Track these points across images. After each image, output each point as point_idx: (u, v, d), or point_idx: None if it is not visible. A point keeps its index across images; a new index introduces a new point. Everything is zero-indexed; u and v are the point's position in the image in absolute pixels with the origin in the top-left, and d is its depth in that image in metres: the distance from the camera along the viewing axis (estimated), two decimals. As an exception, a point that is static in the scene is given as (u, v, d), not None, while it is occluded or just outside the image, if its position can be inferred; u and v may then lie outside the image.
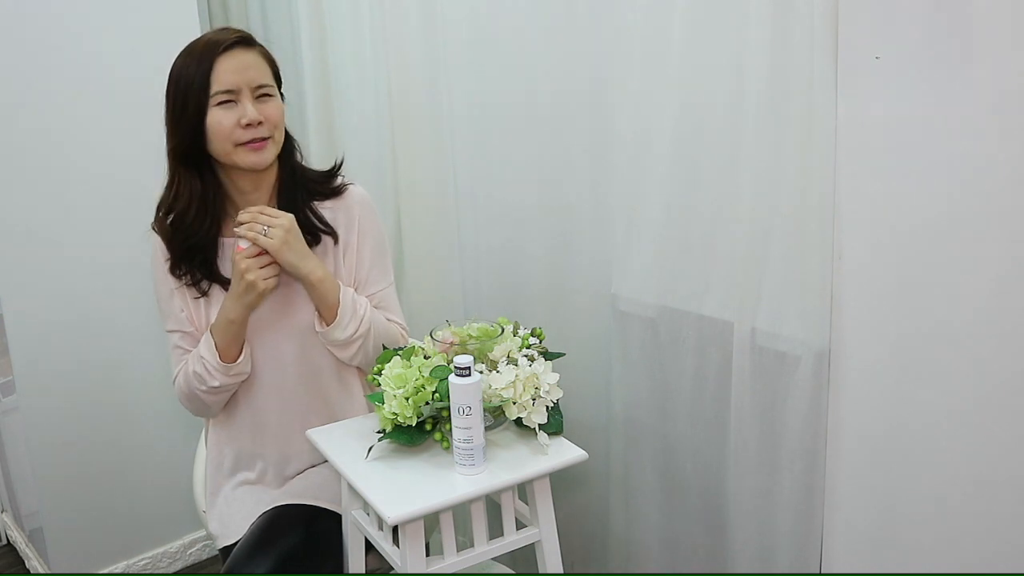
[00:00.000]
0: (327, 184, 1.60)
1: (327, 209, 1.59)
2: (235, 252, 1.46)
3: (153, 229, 1.56)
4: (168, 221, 1.53)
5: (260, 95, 1.48)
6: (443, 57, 1.94)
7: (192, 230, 1.51)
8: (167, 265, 1.55)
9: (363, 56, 2.10)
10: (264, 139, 1.47)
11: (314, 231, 1.56)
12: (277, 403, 1.59)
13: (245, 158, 1.47)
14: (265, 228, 1.44)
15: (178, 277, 1.54)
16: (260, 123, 1.46)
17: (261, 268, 1.44)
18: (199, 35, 1.54)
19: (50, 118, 2.06)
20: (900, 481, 1.29)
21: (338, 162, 1.63)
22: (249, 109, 1.45)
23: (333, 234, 1.58)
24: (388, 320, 1.58)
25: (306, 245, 1.50)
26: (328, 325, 1.51)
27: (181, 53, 1.49)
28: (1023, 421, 1.15)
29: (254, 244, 1.45)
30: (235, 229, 1.47)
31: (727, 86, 1.40)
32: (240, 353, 1.51)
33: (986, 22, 1.10)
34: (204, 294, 1.55)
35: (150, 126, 2.11)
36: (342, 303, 1.51)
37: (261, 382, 1.58)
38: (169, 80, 1.48)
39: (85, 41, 2.08)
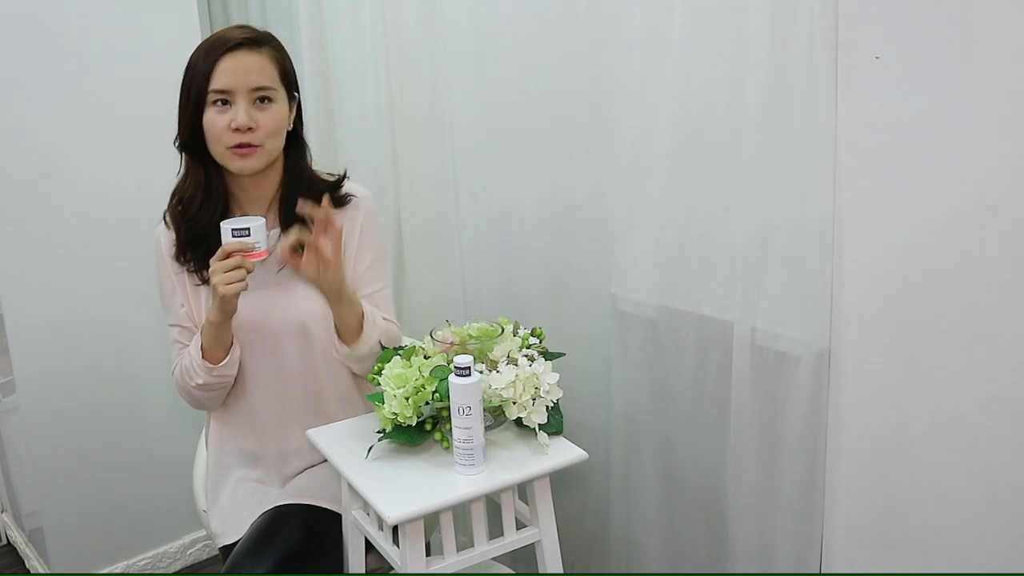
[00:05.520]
0: (332, 194, 1.58)
1: None
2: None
3: (164, 218, 1.57)
4: (178, 208, 1.55)
5: (258, 99, 1.46)
6: (443, 56, 1.93)
7: (197, 219, 1.53)
8: (171, 255, 1.56)
9: (363, 56, 2.09)
10: (253, 146, 1.46)
11: None
12: (276, 400, 1.60)
13: (232, 162, 1.47)
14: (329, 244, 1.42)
15: (181, 263, 1.55)
16: (250, 129, 1.44)
17: (226, 272, 1.40)
18: (198, 36, 1.54)
19: (49, 118, 2.06)
20: (900, 481, 1.29)
21: (342, 174, 1.62)
22: (240, 114, 1.44)
23: None
24: (385, 320, 1.58)
25: None
26: (352, 343, 1.51)
27: (198, 46, 1.49)
28: (1023, 421, 1.15)
29: (248, 251, 1.40)
30: (300, 209, 1.44)
31: (727, 86, 1.40)
32: (225, 356, 1.51)
33: (986, 22, 1.10)
34: (205, 282, 1.55)
35: (150, 126, 2.14)
36: (367, 316, 1.50)
37: (259, 379, 1.59)
38: (184, 71, 1.49)
39: (85, 41, 2.08)
